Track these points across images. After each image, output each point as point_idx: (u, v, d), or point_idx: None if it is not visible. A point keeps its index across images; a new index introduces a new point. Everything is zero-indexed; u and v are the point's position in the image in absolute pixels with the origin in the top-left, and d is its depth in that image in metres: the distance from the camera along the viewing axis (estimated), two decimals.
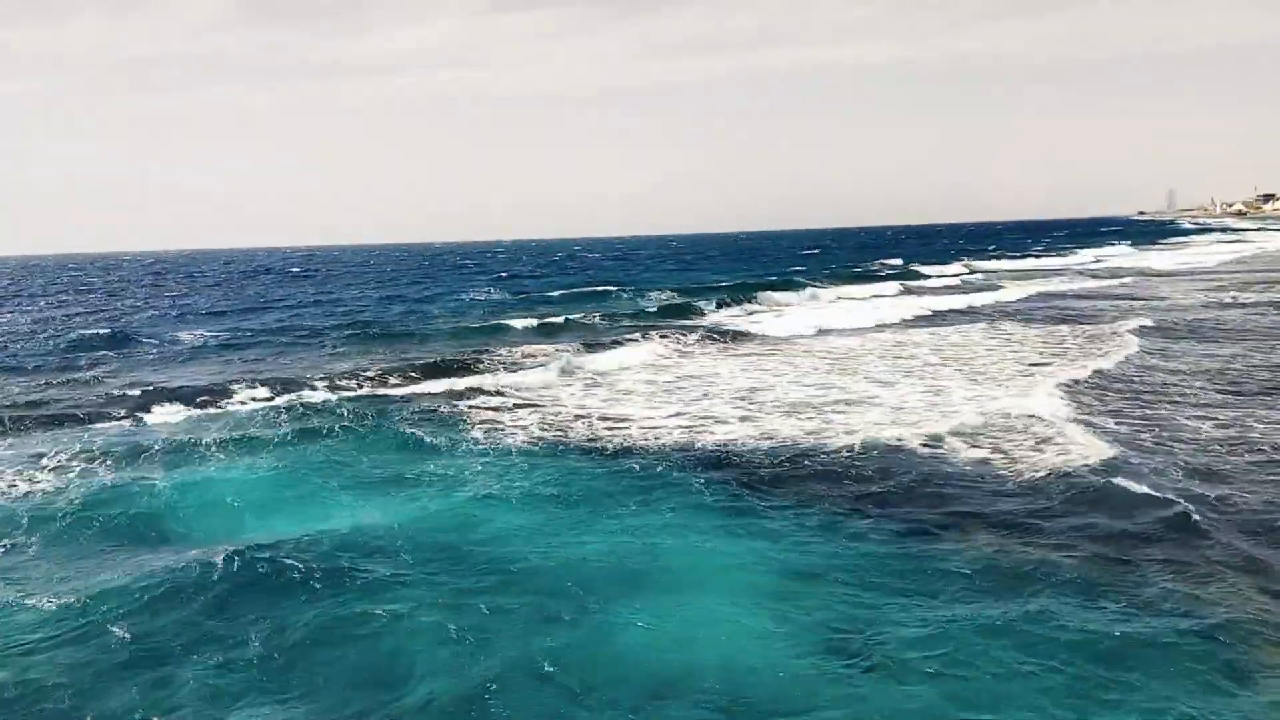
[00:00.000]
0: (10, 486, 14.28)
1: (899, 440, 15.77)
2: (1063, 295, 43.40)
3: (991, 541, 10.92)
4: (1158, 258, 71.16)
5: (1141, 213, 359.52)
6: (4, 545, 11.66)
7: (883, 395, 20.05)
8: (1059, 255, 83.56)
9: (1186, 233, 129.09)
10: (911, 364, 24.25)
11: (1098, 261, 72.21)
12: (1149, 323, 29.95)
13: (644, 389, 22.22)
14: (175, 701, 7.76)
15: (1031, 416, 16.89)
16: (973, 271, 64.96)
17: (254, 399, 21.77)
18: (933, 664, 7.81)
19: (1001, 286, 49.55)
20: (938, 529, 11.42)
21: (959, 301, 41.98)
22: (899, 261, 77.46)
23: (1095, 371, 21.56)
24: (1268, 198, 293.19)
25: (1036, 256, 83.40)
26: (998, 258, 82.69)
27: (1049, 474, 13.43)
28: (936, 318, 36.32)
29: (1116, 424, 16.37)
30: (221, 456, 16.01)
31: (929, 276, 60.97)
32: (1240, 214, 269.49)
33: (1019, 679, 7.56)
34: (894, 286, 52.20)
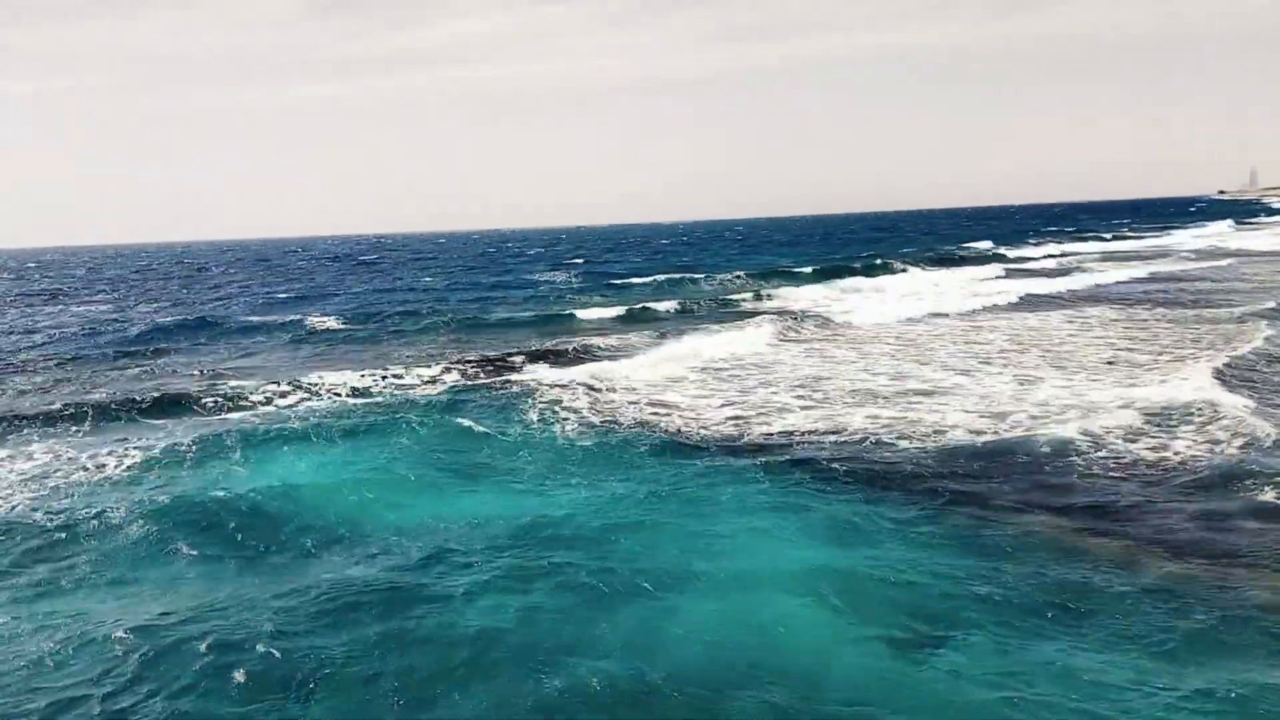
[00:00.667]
0: (99, 469, 14.52)
1: (1060, 433, 14.40)
2: (1172, 277, 41.04)
3: (1135, 550, 9.98)
4: (1256, 238, 67.53)
5: (1222, 192, 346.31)
6: (92, 529, 11.70)
7: (1016, 383, 18.65)
8: (1154, 236, 79.89)
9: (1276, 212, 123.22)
10: (1038, 350, 22.72)
11: (1197, 240, 68.85)
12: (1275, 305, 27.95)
13: (756, 376, 21.07)
14: (260, 681, 7.83)
15: (1206, 403, 15.39)
16: (1065, 254, 62.22)
17: (347, 386, 21.12)
18: (999, 667, 7.50)
19: (1100, 269, 47.37)
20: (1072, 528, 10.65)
21: (1060, 285, 39.94)
22: (987, 244, 74.84)
23: (1241, 356, 19.87)
24: None
25: (1130, 237, 79.88)
26: (1086, 238, 79.58)
27: (1229, 470, 12.24)
28: (1045, 302, 34.44)
29: None
30: (322, 444, 15.65)
31: (1026, 259, 58.62)
32: None
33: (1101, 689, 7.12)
34: (993, 269, 50.04)
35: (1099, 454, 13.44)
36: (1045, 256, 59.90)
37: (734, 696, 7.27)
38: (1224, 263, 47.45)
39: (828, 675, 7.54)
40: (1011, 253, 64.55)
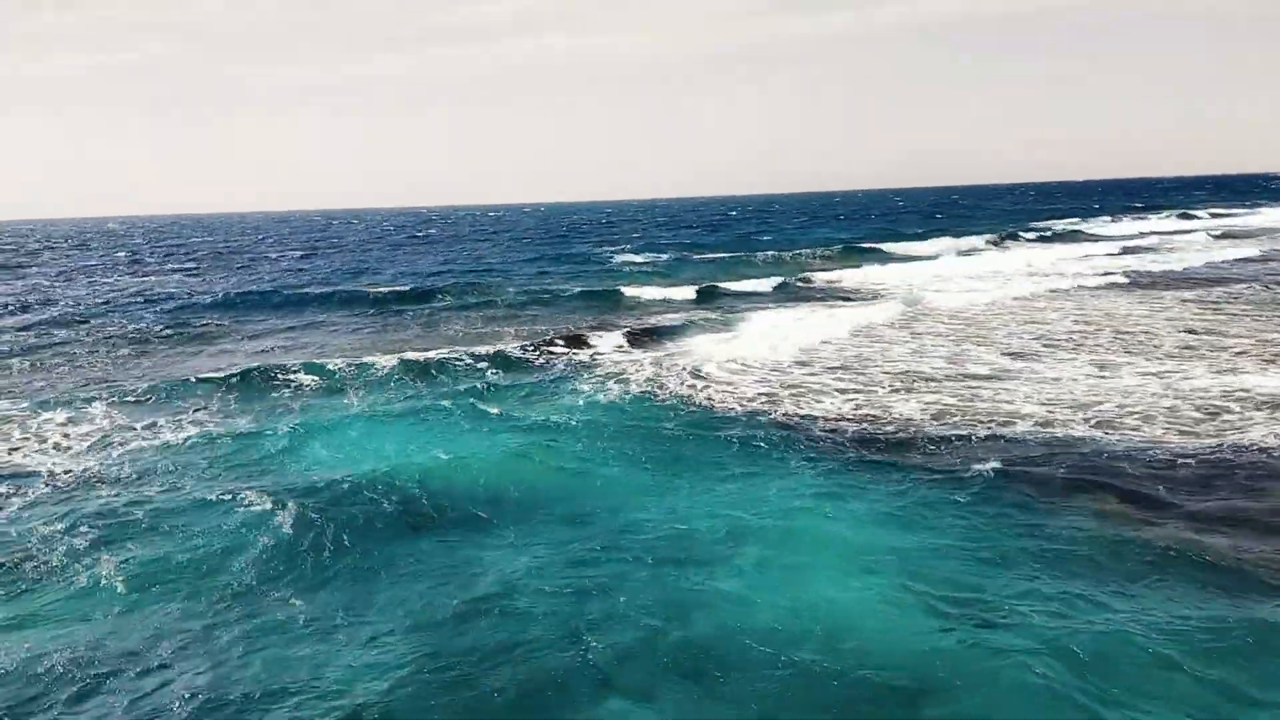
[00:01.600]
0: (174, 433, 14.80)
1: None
2: None
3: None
4: None
5: None
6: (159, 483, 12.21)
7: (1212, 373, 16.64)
8: (1245, 213, 75.59)
9: None
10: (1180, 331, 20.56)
11: None
12: None
13: (870, 356, 19.25)
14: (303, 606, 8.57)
15: None
16: (1160, 231, 58.89)
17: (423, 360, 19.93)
18: (1052, 646, 7.30)
19: (1205, 246, 44.47)
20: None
21: (1174, 262, 37.36)
22: (1071, 221, 71.52)
23: None
24: None
25: (1222, 214, 75.58)
26: (1168, 215, 75.74)
27: None
28: (1166, 281, 31.92)
29: None
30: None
31: (1116, 236, 55.57)
32: None
33: (1158, 673, 6.98)
34: (1104, 247, 47.27)
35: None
36: (1141, 234, 56.66)
37: (777, 663, 7.27)
38: None
39: (879, 648, 7.45)
40: (1097, 229, 61.50)
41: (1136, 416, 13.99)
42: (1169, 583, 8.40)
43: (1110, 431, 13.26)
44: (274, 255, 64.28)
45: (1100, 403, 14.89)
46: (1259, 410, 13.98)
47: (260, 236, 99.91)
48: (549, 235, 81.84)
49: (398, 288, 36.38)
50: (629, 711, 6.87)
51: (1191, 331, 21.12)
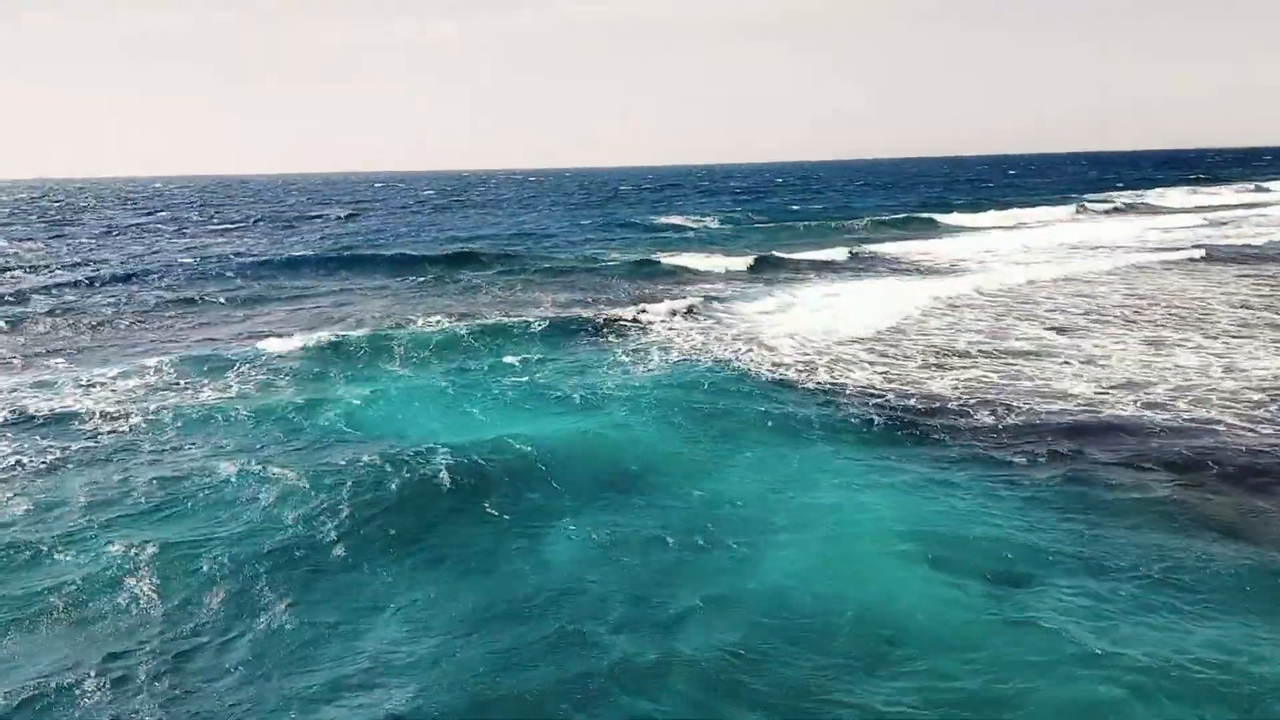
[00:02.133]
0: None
1: None
2: None
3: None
4: None
5: None
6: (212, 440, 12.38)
7: None
8: None
9: None
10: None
11: None
12: None
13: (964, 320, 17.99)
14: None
15: None
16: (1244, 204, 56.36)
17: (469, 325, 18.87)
18: (1088, 626, 7.19)
19: None
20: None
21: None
22: (1136, 193, 68.88)
23: None
24: None
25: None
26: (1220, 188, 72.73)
27: None
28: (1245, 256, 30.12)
29: None
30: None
31: (1169, 208, 53.21)
32: None
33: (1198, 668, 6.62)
34: (1181, 219, 45.21)
35: None
36: (1213, 206, 54.17)
37: (814, 636, 7.28)
38: None
39: (910, 622, 7.41)
40: (1168, 201, 59.08)
41: None
42: (1213, 570, 8.04)
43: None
44: (318, 217, 63.70)
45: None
46: None
47: (304, 199, 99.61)
48: (589, 201, 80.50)
49: (442, 251, 35.50)
50: (666, 692, 6.69)
51: None
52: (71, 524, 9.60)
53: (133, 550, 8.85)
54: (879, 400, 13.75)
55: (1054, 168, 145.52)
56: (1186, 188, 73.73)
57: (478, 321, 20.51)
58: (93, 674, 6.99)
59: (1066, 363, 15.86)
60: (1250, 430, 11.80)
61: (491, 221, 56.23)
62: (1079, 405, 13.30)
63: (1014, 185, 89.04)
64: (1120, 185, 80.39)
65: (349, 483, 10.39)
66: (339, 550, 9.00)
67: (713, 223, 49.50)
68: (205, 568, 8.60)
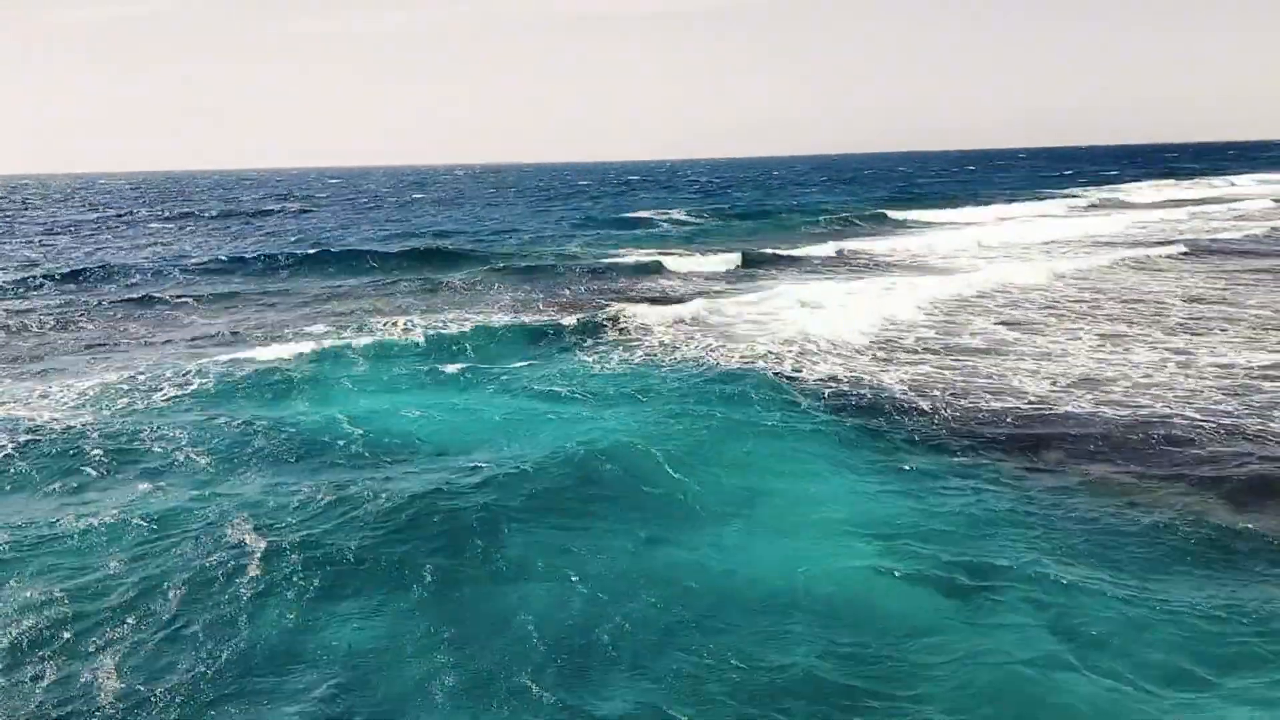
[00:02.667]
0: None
1: None
2: None
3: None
4: None
5: None
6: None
7: None
8: None
9: None
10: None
11: None
12: None
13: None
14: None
15: None
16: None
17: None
18: (1049, 619, 7.19)
19: None
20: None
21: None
22: (1110, 187, 68.83)
23: None
24: None
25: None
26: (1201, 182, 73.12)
27: None
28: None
29: None
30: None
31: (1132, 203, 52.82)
32: None
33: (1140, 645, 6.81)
34: (1156, 214, 44.86)
35: None
36: (1180, 201, 54.12)
37: (777, 629, 7.25)
38: None
39: (871, 614, 7.44)
40: (1136, 196, 58.97)
41: None
42: (1172, 561, 8.15)
43: None
44: (273, 212, 61.56)
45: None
46: None
47: (262, 193, 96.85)
48: (554, 197, 78.99)
49: (411, 247, 33.98)
50: (620, 684, 6.65)
51: None
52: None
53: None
54: (895, 405, 13.07)
55: (1015, 163, 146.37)
56: (1150, 182, 74.05)
57: (480, 323, 19.49)
58: None
59: (1079, 364, 14.92)
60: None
61: (460, 217, 54.62)
62: (1117, 404, 12.66)
63: (981, 180, 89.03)
64: (1084, 180, 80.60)
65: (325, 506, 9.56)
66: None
67: (683, 218, 48.35)
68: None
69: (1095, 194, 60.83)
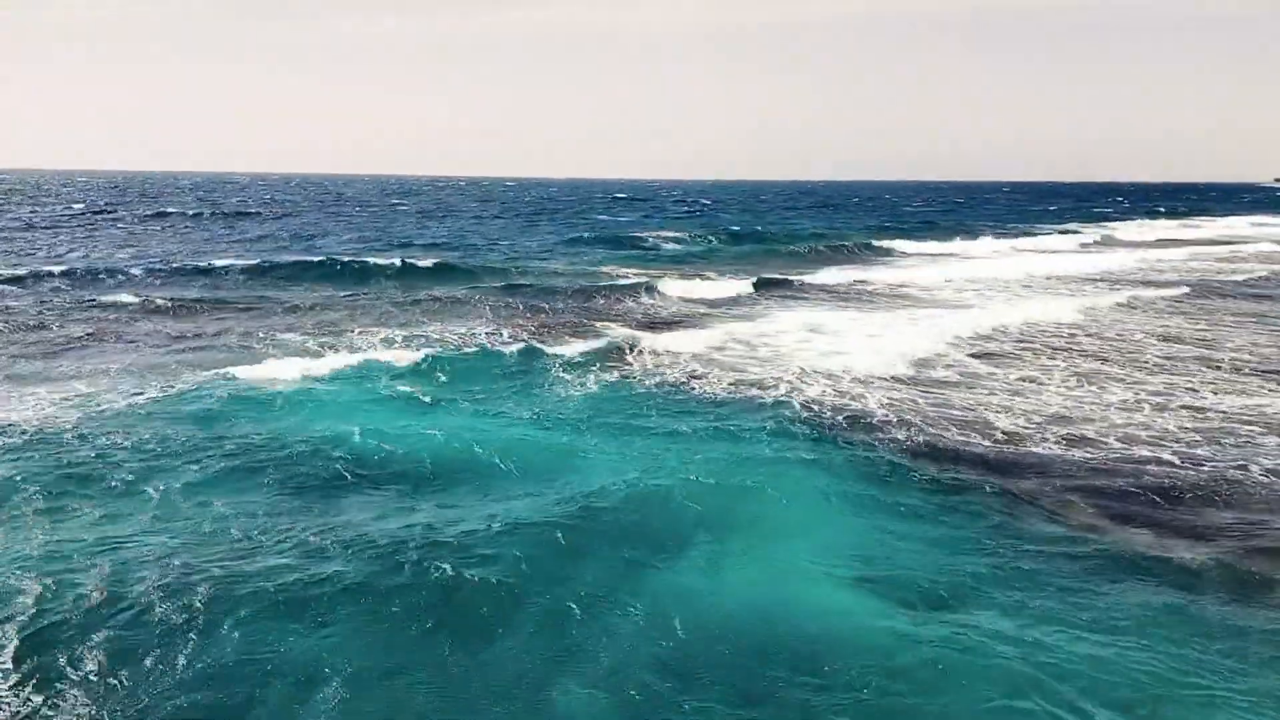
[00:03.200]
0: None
1: None
2: None
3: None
4: None
5: (1278, 180, 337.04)
6: None
7: None
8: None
9: None
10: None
11: None
12: None
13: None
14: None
15: None
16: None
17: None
18: (1016, 637, 7.26)
19: None
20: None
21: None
22: (1112, 224, 68.39)
23: None
24: None
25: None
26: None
27: None
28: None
29: None
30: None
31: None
32: None
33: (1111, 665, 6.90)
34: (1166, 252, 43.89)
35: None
36: (1166, 241, 53.56)
37: (737, 642, 7.22)
38: None
39: (834, 628, 7.43)
40: (1133, 234, 58.52)
41: None
42: (1137, 601, 8.04)
43: None
44: (255, 215, 59.74)
45: None
46: None
47: (242, 196, 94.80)
48: (541, 213, 77.55)
49: (375, 259, 32.38)
50: (583, 699, 6.53)
51: None
52: None
53: None
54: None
55: (999, 195, 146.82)
56: (1139, 221, 73.82)
57: (474, 342, 18.27)
58: None
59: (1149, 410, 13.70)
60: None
61: (445, 230, 53.10)
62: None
63: (969, 212, 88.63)
64: (1076, 216, 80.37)
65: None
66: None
67: (675, 239, 47.06)
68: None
69: (1094, 231, 60.23)
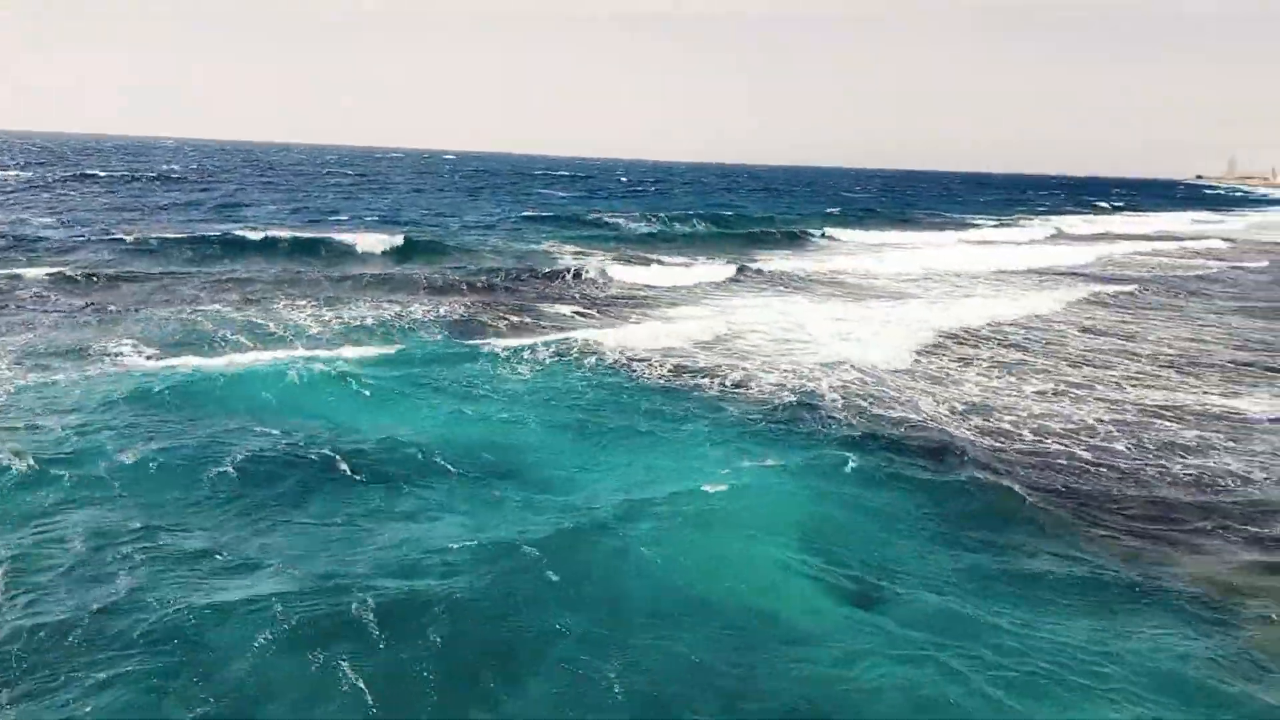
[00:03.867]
0: None
1: None
2: None
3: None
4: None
5: (1200, 176, 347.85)
6: None
7: None
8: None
9: (1270, 203, 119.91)
10: None
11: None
12: None
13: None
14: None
15: None
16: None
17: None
18: (946, 616, 7.43)
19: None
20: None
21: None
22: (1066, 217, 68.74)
23: None
24: None
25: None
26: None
27: None
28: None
29: None
30: None
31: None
32: None
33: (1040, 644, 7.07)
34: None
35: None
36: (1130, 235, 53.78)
37: (673, 621, 7.16)
38: None
39: (766, 607, 7.45)
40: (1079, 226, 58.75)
41: None
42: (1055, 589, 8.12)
43: None
44: (180, 180, 56.47)
45: None
46: None
47: (171, 162, 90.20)
48: (485, 187, 75.11)
49: (309, 232, 30.30)
50: (523, 680, 6.36)
51: None
52: None
53: None
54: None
55: (934, 185, 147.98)
56: (1083, 215, 74.46)
57: (416, 319, 16.94)
58: None
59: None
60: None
61: (387, 202, 50.65)
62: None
63: (916, 201, 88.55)
64: (1021, 208, 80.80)
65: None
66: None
67: (629, 221, 45.26)
68: None
69: (1042, 223, 60.34)
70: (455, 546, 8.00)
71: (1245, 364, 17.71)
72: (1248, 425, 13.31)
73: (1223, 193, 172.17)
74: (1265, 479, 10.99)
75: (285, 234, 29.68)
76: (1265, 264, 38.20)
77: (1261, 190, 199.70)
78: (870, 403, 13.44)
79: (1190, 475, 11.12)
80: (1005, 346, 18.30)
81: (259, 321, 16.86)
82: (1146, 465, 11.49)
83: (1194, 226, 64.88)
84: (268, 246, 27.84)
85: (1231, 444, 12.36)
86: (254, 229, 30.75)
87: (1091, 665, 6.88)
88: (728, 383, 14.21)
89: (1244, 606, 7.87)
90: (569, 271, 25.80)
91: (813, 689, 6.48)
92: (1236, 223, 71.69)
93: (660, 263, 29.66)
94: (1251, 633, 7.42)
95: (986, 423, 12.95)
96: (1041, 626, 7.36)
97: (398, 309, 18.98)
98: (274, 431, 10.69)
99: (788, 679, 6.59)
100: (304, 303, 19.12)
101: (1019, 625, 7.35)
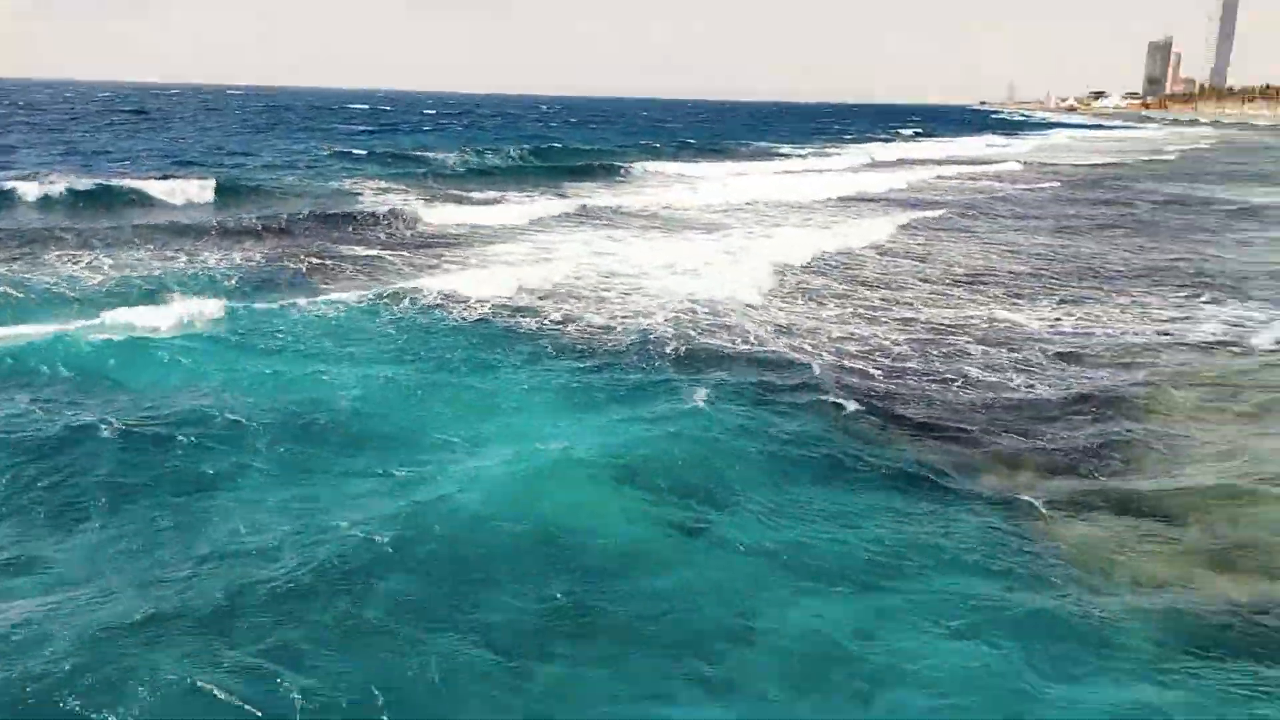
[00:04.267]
0: None
1: None
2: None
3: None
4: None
5: (983, 103, 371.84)
6: None
7: None
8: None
9: (1048, 126, 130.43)
10: None
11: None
12: None
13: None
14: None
15: None
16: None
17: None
18: (772, 541, 7.72)
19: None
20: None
21: None
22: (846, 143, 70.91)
23: None
24: (1098, 95, 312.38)
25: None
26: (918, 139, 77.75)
27: None
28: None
29: None
30: None
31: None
32: (1072, 109, 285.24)
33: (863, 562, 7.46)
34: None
35: None
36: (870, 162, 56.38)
37: (501, 559, 7.24)
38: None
39: (595, 540, 7.61)
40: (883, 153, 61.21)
41: None
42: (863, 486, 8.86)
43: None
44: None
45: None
46: None
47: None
48: (282, 124, 70.56)
49: (90, 179, 27.59)
50: (350, 619, 6.36)
51: None
52: None
53: None
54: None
55: (735, 114, 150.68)
56: (885, 142, 77.22)
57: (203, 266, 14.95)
58: None
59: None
60: None
61: (179, 145, 46.44)
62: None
63: (722, 128, 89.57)
64: (822, 137, 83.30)
65: None
66: None
67: (448, 153, 43.29)
68: None
69: (856, 150, 62.73)
70: (280, 529, 7.41)
71: (1027, 275, 19.11)
72: (1028, 336, 14.33)
73: (1006, 117, 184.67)
74: (1038, 384, 11.94)
75: (59, 181, 26.76)
76: (1057, 185, 41.07)
77: (1040, 114, 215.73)
78: (700, 333, 13.61)
79: (979, 382, 12.03)
80: (818, 274, 18.79)
81: (29, 280, 15.18)
82: (943, 373, 12.38)
83: (988, 150, 69.12)
84: (40, 195, 25.00)
85: (1013, 354, 13.28)
86: (23, 176, 27.59)
87: (895, 549, 7.58)
88: (549, 323, 14.00)
89: (1017, 495, 8.67)
90: (381, 212, 24.60)
91: (644, 605, 6.73)
92: (1023, 145, 77.08)
93: (475, 199, 28.85)
94: (1021, 519, 8.24)
95: (808, 345, 13.42)
96: (853, 522, 8.02)
97: (190, 259, 17.59)
98: (46, 412, 9.57)
99: (627, 601, 6.75)
100: (83, 254, 17.39)
101: (830, 530, 7.89)
